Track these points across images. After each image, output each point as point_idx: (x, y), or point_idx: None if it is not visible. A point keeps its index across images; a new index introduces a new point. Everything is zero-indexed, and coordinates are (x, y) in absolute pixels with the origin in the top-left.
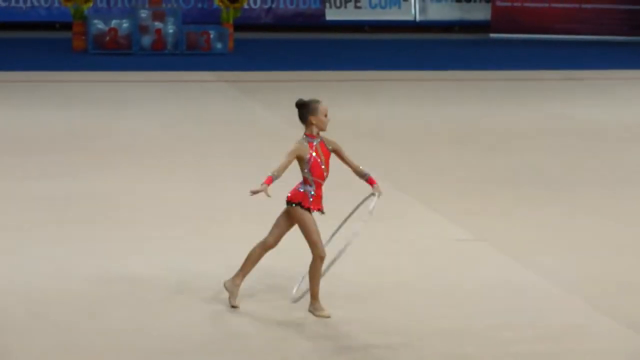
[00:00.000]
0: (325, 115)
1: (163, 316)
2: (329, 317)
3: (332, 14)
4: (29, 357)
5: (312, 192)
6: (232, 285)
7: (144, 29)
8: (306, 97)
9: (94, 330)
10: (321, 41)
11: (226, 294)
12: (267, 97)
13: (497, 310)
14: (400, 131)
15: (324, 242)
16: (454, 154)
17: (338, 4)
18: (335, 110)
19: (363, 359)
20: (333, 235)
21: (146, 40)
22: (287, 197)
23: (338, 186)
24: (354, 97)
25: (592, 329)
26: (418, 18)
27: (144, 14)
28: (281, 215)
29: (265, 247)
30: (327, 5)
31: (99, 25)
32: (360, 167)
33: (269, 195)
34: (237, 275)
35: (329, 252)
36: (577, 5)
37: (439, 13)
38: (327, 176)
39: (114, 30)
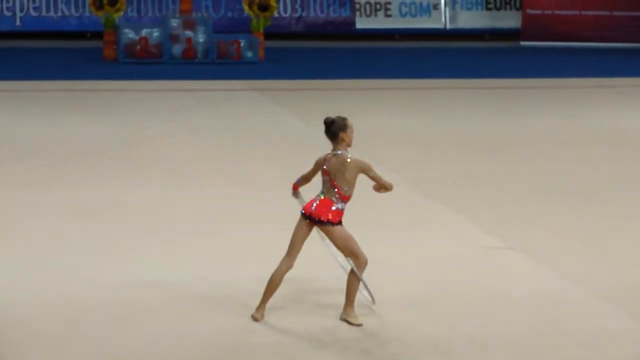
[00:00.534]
0: (353, 131)
1: (195, 324)
2: (361, 325)
3: (362, 23)
4: None
5: (344, 208)
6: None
7: (174, 38)
8: (334, 111)
9: (127, 339)
10: (351, 49)
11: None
12: (298, 105)
13: (531, 318)
14: (431, 139)
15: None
16: (486, 161)
17: (368, 12)
18: (365, 119)
19: None
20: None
21: (177, 49)
22: (325, 219)
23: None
24: (384, 105)
25: (627, 336)
26: (448, 26)
27: (174, 23)
28: (298, 237)
29: (285, 271)
30: (358, 13)
31: (129, 34)
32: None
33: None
34: (259, 307)
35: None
36: (607, 13)
37: (469, 21)
38: None
39: (145, 39)
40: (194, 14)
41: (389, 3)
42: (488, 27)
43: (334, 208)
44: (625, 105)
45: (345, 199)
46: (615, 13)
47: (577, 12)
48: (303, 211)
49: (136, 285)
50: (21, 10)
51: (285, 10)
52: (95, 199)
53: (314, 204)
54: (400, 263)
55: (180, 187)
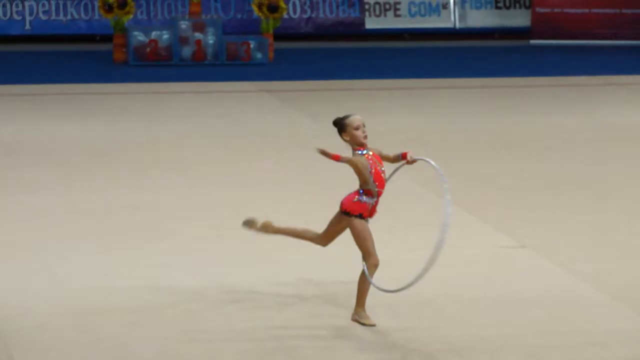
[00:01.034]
0: (357, 128)
1: (207, 326)
2: (374, 325)
3: (371, 23)
4: None
5: (373, 203)
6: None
7: (184, 40)
8: (344, 111)
9: (140, 343)
10: (361, 50)
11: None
12: (308, 106)
13: (544, 317)
14: (442, 138)
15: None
16: (497, 161)
17: (377, 12)
18: (376, 119)
19: None
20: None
21: (186, 51)
22: (345, 208)
23: None
24: (394, 105)
25: (635, 335)
26: (458, 25)
27: (184, 25)
28: (334, 223)
29: (315, 241)
30: (367, 14)
31: (139, 37)
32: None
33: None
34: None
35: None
36: (617, 11)
37: (478, 20)
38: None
39: (154, 41)
40: (203, 16)
41: (399, 3)
42: (497, 26)
43: (355, 200)
44: (636, 102)
45: (368, 193)
46: (625, 11)
47: (587, 10)
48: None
49: (148, 288)
50: (30, 14)
51: (294, 12)
52: (106, 202)
53: (346, 194)
54: (412, 263)
55: (191, 189)
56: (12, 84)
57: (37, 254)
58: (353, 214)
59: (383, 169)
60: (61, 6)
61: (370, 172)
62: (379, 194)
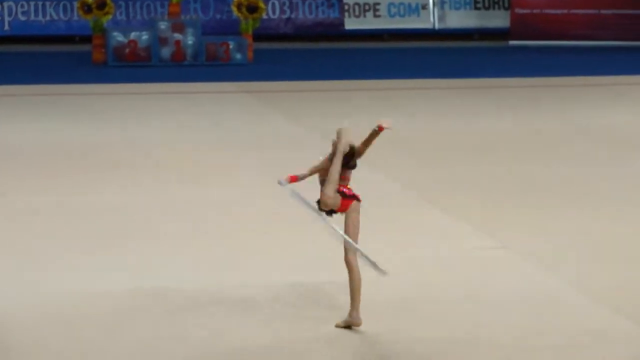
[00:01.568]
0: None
1: (189, 328)
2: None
3: (351, 23)
4: None
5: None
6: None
7: (163, 41)
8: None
9: (120, 344)
10: (340, 50)
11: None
12: (287, 106)
13: (523, 318)
14: (421, 139)
15: None
16: (476, 162)
17: (357, 13)
18: (356, 119)
19: None
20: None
21: (165, 51)
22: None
23: None
24: (374, 105)
25: (618, 336)
26: (437, 26)
27: (163, 25)
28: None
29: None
30: (346, 14)
31: (118, 37)
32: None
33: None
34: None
35: None
36: (596, 11)
37: (457, 21)
38: None
39: (134, 42)
40: (182, 17)
41: (378, 4)
42: (477, 26)
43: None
44: (615, 102)
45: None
46: (604, 11)
47: (566, 11)
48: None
49: (130, 290)
50: (10, 14)
51: (274, 12)
52: (86, 204)
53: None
54: (391, 265)
55: (172, 190)
56: None
57: (16, 256)
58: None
59: None
60: (40, 7)
61: None
62: None
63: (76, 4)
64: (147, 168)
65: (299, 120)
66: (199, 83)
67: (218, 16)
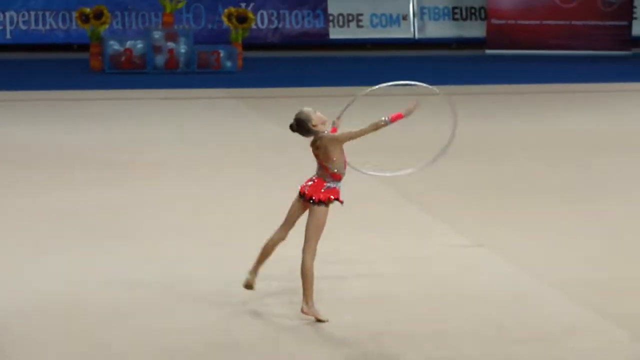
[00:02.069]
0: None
1: (175, 322)
2: (327, 320)
3: (335, 33)
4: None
5: (339, 187)
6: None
7: (157, 49)
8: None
9: (112, 334)
10: (325, 59)
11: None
12: (275, 112)
13: (498, 314)
14: (401, 144)
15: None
16: (455, 165)
17: (341, 23)
18: (340, 124)
19: None
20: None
21: (159, 59)
22: (317, 198)
23: None
24: (357, 112)
25: (591, 331)
26: (417, 36)
27: (157, 34)
28: (291, 212)
29: (277, 242)
30: (331, 24)
31: (114, 46)
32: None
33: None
34: (250, 272)
35: None
36: (567, 22)
37: (436, 31)
38: None
39: (129, 50)
40: (175, 27)
41: (361, 14)
42: (455, 36)
43: (324, 188)
44: (585, 108)
45: (335, 177)
46: (575, 22)
47: (539, 22)
48: (299, 189)
49: (118, 286)
50: (11, 24)
51: (262, 22)
52: (82, 204)
53: (309, 184)
54: (369, 262)
55: (164, 191)
56: None
57: (3, 254)
58: (324, 202)
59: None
60: (40, 17)
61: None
62: (340, 179)
63: (74, 14)
64: (141, 169)
65: (286, 124)
66: (191, 89)
67: (209, 26)
